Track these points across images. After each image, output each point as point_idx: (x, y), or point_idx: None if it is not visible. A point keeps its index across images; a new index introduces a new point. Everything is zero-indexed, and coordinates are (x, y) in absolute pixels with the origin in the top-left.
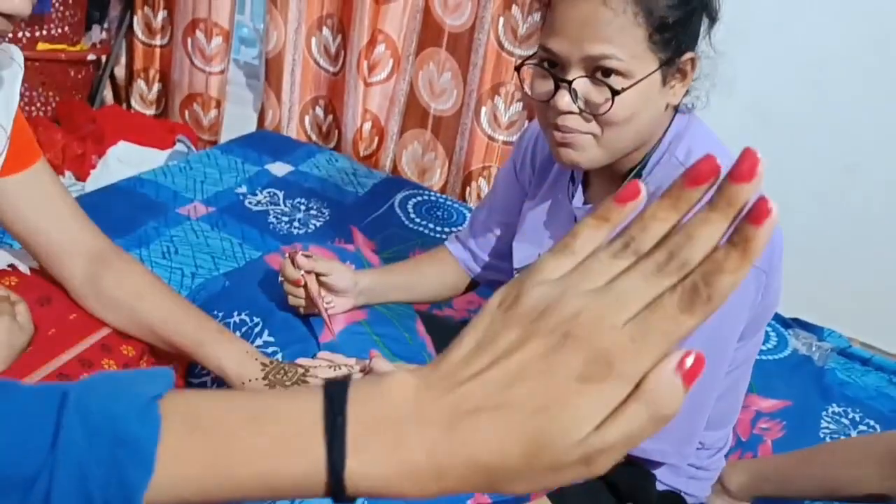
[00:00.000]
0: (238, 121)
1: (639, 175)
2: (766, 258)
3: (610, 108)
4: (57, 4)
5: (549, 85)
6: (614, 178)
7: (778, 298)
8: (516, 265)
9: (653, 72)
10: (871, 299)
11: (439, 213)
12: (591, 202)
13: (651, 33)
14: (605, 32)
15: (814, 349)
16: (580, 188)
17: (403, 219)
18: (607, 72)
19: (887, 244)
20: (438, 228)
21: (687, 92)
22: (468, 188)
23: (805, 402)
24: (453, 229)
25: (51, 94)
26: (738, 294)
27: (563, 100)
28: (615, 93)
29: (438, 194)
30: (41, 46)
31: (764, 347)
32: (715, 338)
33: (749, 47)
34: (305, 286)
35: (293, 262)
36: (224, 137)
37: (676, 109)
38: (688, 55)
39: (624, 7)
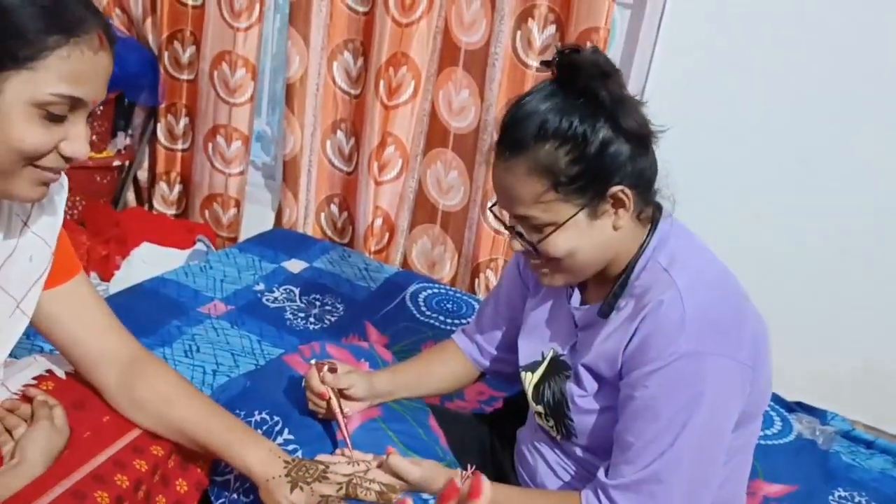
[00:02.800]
0: (257, 219)
1: (627, 278)
2: (749, 354)
3: (537, 252)
4: None
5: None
6: (605, 280)
7: (769, 387)
8: (521, 363)
9: (573, 215)
10: (872, 381)
11: (449, 306)
12: (589, 302)
13: (559, 189)
14: (519, 196)
15: (818, 433)
16: (576, 290)
17: (415, 312)
18: (533, 224)
19: (882, 326)
20: (449, 320)
21: (652, 202)
22: (476, 279)
23: (811, 486)
24: (463, 321)
25: (77, 198)
26: (724, 391)
27: (514, 243)
28: (533, 243)
29: (448, 287)
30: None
31: (769, 432)
32: (707, 433)
33: (736, 145)
34: (328, 399)
35: (319, 374)
36: (243, 236)
37: (654, 219)
38: (614, 189)
39: (528, 175)
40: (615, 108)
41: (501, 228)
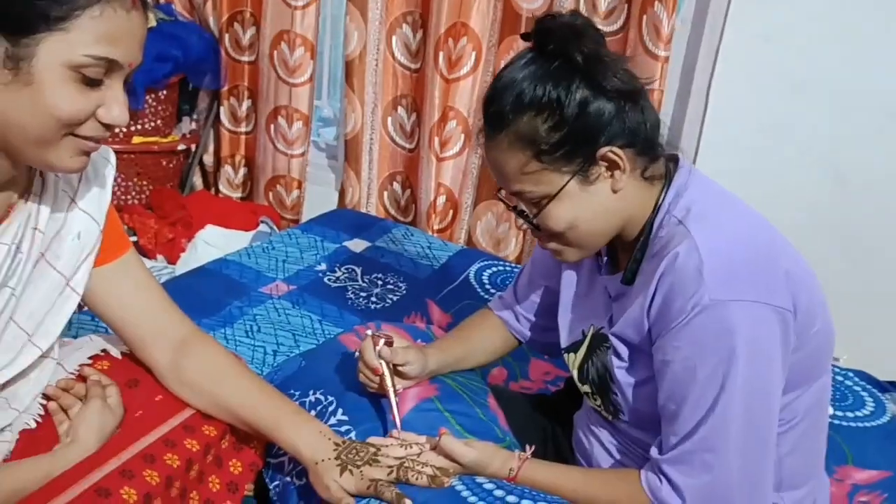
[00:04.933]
0: (320, 200)
1: (646, 240)
2: (787, 297)
3: (537, 226)
4: (150, 100)
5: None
6: (627, 246)
7: (829, 343)
8: (563, 344)
9: (565, 184)
10: None
11: None
12: (619, 270)
13: (542, 158)
14: (506, 172)
15: None
16: (606, 259)
17: (479, 290)
18: (529, 199)
19: None
20: None
21: (659, 158)
22: None
23: None
24: None
25: (145, 183)
26: (761, 339)
27: (518, 221)
28: (528, 217)
29: (513, 264)
30: (136, 140)
31: (860, 413)
32: (751, 389)
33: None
34: (381, 375)
35: (375, 347)
36: (307, 216)
37: (667, 174)
38: (603, 151)
39: (511, 148)
40: (592, 68)
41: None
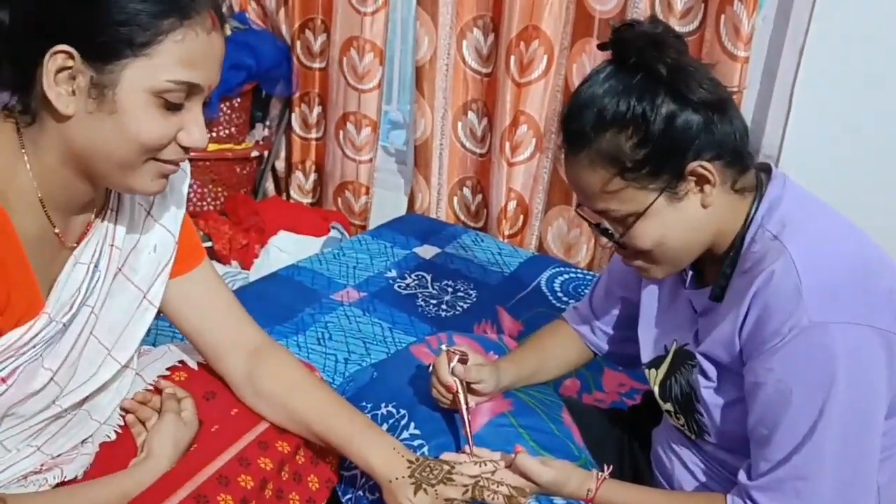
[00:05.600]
0: (390, 205)
1: (736, 255)
2: (891, 318)
3: (625, 246)
4: (224, 108)
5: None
6: (717, 259)
7: None
8: (644, 359)
9: (653, 202)
10: None
11: (587, 291)
12: (705, 285)
13: (627, 176)
14: (590, 191)
15: None
16: (691, 272)
17: (550, 297)
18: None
19: None
20: None
21: (750, 168)
22: None
23: None
24: None
25: (219, 189)
26: (863, 364)
27: (602, 240)
28: (613, 235)
29: (585, 271)
30: (211, 147)
31: None
32: (851, 416)
33: None
34: (455, 392)
35: (449, 363)
36: (376, 221)
37: (759, 185)
38: (692, 166)
39: (593, 167)
40: (676, 79)
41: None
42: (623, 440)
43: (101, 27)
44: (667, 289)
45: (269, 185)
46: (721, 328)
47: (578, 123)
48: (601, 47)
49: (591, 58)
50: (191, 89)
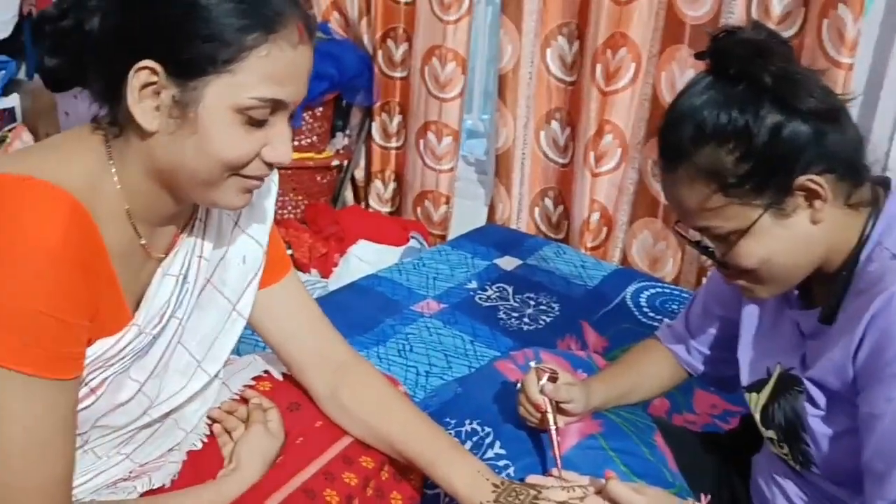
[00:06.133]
0: (469, 215)
1: (850, 274)
2: None
3: (726, 265)
4: (306, 117)
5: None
6: (828, 278)
7: None
8: (744, 382)
9: (757, 218)
10: None
11: (675, 307)
12: (813, 305)
13: (730, 192)
14: (690, 208)
15: None
16: (797, 292)
17: (636, 313)
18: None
19: None
20: None
21: (865, 181)
22: (704, 279)
23: None
24: None
25: (300, 198)
26: None
27: (702, 258)
28: (715, 254)
29: (672, 286)
30: (294, 156)
31: None
32: None
33: None
34: (544, 412)
35: (538, 381)
36: (455, 232)
37: (875, 201)
38: (801, 180)
39: (693, 183)
40: (782, 88)
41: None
42: (720, 468)
43: (184, 43)
44: (769, 308)
45: (349, 194)
46: (832, 353)
47: (676, 137)
48: (698, 56)
49: (681, 66)
50: (276, 106)
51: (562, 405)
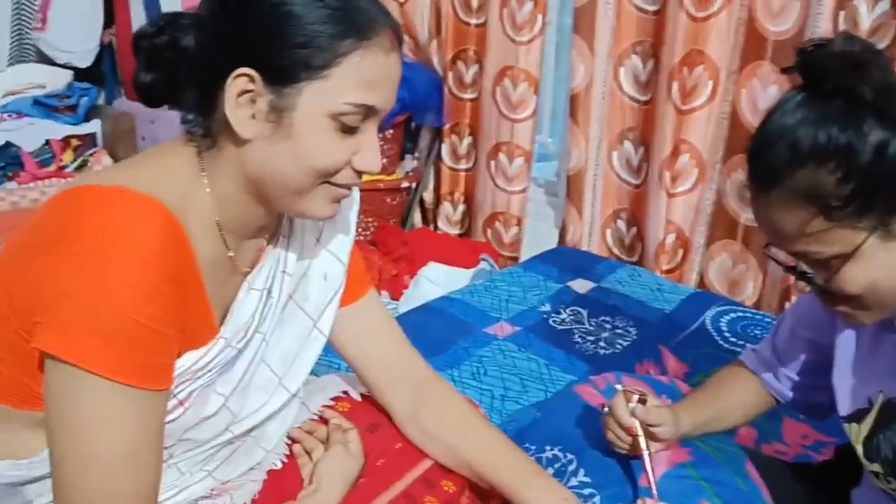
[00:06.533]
0: (539, 237)
1: None
2: None
3: (827, 292)
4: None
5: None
6: None
7: None
8: (843, 412)
9: (862, 242)
10: None
11: (757, 332)
12: None
13: (832, 216)
14: (786, 233)
15: None
16: None
17: (717, 337)
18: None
19: None
20: None
21: None
22: (787, 303)
23: None
24: None
25: (370, 220)
26: None
27: (800, 284)
28: (815, 280)
29: (754, 310)
30: (364, 178)
31: None
32: None
33: None
34: (635, 436)
35: (628, 403)
36: (525, 254)
37: None
38: None
39: (790, 207)
40: (885, 103)
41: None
42: (813, 500)
43: (280, 49)
44: (868, 332)
45: (417, 216)
46: None
47: (769, 159)
48: (786, 71)
49: (763, 83)
50: (367, 112)
51: (652, 429)
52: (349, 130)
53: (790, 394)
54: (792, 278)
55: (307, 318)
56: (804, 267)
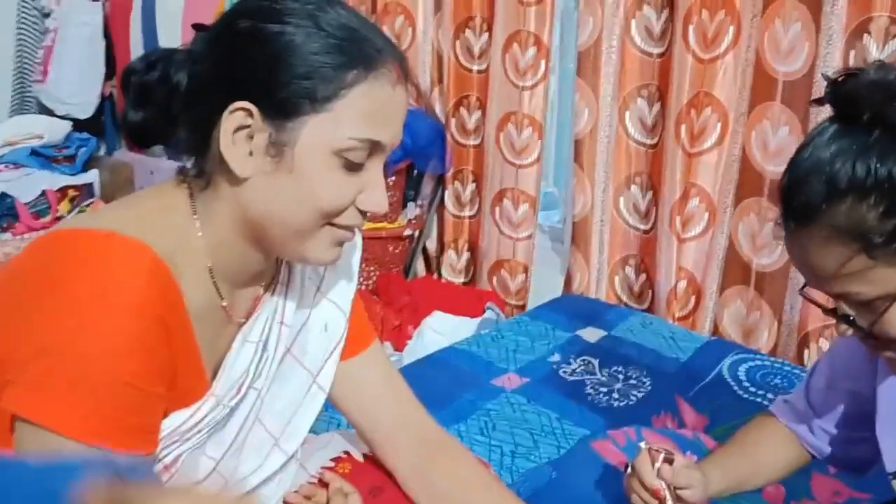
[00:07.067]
0: (545, 285)
1: None
2: None
3: (872, 335)
4: None
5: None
6: None
7: None
8: (890, 467)
9: None
10: None
11: (777, 381)
12: None
13: (874, 253)
14: (825, 273)
15: None
16: None
17: (736, 387)
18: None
19: None
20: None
21: None
22: (806, 351)
23: None
24: None
25: (372, 268)
26: None
27: (840, 328)
28: (857, 322)
29: (773, 358)
30: (366, 226)
31: None
32: None
33: None
34: (663, 499)
35: (653, 463)
36: (531, 302)
37: None
38: None
39: (828, 245)
40: None
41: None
42: None
43: (282, 81)
44: None
45: (420, 265)
46: None
47: (804, 195)
48: (817, 102)
49: (774, 124)
50: (373, 147)
51: (679, 491)
52: (354, 167)
53: (828, 449)
54: (811, 326)
55: (306, 372)
56: (845, 309)
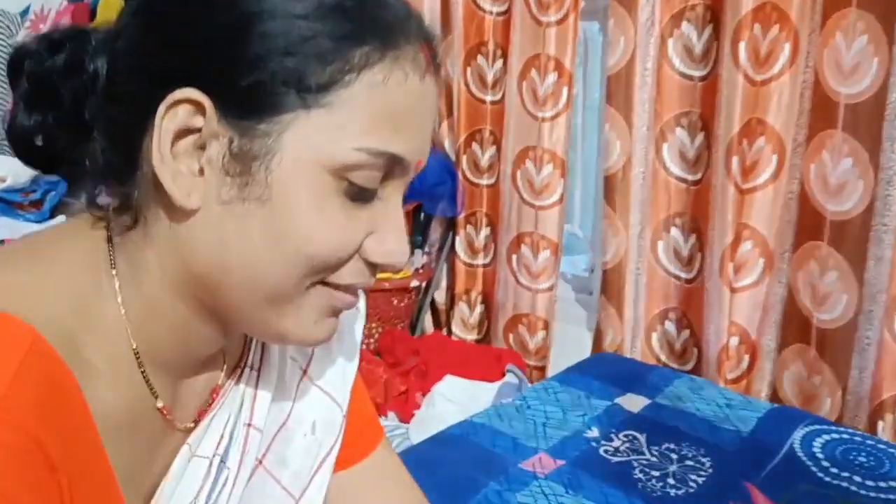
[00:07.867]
0: (569, 342)
1: None
2: None
3: None
4: None
5: None
6: None
7: None
8: None
9: None
10: None
11: (862, 458)
12: None
13: None
14: None
15: None
16: None
17: (814, 468)
18: None
19: None
20: (869, 482)
21: None
22: (880, 423)
23: None
24: (892, 482)
25: (374, 325)
26: None
27: None
28: None
29: (853, 430)
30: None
31: None
32: None
33: None
34: None
35: None
36: (553, 361)
37: None
38: None
39: None
40: None
41: None
42: None
43: (250, 59)
44: None
45: (428, 320)
46: None
47: None
48: None
49: (834, 155)
50: (391, 165)
51: None
52: (362, 196)
53: None
54: (886, 393)
55: (285, 494)
56: None
